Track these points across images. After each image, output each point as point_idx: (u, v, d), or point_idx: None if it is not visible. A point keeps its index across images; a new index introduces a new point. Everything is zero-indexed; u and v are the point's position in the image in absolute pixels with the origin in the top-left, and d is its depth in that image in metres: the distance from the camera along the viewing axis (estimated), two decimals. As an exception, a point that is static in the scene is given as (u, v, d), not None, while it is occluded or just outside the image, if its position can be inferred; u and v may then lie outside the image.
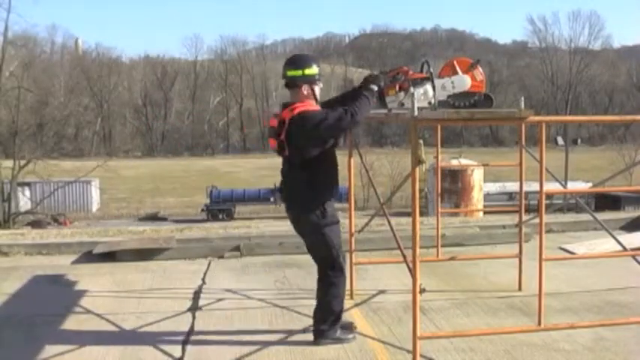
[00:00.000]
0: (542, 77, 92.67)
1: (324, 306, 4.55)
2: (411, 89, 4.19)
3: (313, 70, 4.41)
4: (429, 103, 4.27)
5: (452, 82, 4.35)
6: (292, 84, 4.41)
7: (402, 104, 4.28)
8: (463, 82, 4.38)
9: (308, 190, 4.40)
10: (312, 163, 4.34)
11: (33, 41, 70.66)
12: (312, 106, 4.39)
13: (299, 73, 4.38)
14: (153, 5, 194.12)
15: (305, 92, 4.39)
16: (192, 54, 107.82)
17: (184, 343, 4.72)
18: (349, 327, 4.77)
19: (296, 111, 4.28)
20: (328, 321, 4.56)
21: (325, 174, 4.46)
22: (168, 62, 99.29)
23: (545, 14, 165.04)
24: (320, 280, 4.57)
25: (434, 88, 4.28)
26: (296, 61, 4.46)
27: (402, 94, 4.25)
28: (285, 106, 4.40)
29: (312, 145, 4.30)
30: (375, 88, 4.37)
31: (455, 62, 4.46)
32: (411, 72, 4.36)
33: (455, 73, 4.40)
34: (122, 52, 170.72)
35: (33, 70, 56.35)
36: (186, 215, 41.45)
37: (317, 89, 4.46)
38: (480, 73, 4.45)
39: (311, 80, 4.40)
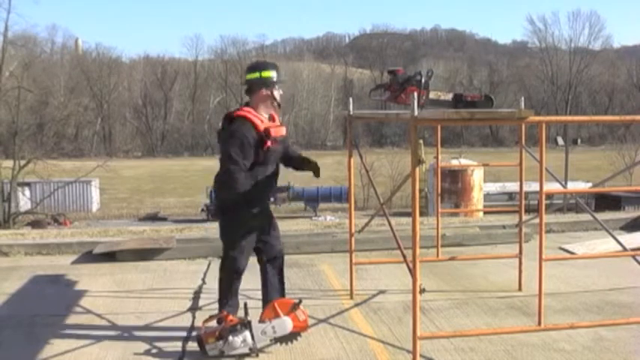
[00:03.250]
0: (542, 77, 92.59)
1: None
2: (230, 338, 4.29)
3: (270, 73, 4.50)
4: (250, 349, 4.35)
5: (272, 327, 4.38)
6: (250, 88, 4.52)
7: (223, 352, 4.33)
8: (284, 325, 4.39)
9: (221, 189, 4.57)
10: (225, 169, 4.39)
11: (33, 41, 70.47)
12: (257, 116, 4.41)
13: (256, 75, 4.50)
14: (153, 5, 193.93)
15: (263, 95, 4.48)
16: (192, 54, 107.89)
17: (184, 343, 4.72)
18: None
19: (235, 115, 4.43)
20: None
21: (241, 179, 4.39)
22: (168, 62, 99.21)
23: (545, 14, 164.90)
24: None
25: (252, 336, 4.33)
26: (254, 65, 4.61)
27: (220, 342, 4.32)
28: (243, 105, 4.55)
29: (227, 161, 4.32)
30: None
31: (276, 304, 4.46)
32: (230, 317, 4.42)
33: (276, 315, 4.41)
34: (122, 52, 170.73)
35: (33, 70, 56.22)
36: (186, 215, 41.44)
37: (276, 93, 4.54)
38: (302, 312, 4.47)
39: (268, 83, 4.49)
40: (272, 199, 39.28)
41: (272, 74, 4.51)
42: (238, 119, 4.41)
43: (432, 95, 4.84)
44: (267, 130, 4.38)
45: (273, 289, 4.77)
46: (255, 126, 4.36)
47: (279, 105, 4.58)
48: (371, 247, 7.58)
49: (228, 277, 4.69)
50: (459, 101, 4.87)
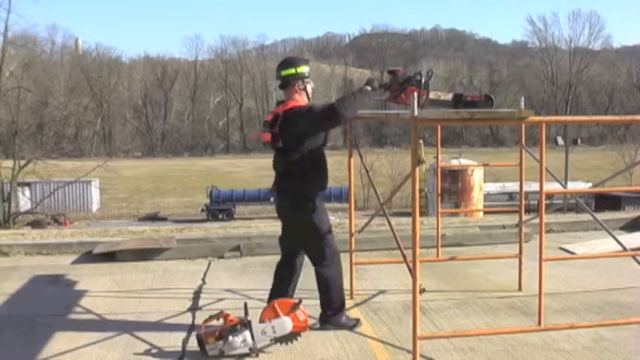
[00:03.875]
0: (542, 77, 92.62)
1: (323, 295, 4.86)
2: (230, 338, 4.31)
3: (304, 69, 4.73)
4: (250, 349, 4.37)
5: (272, 327, 4.39)
6: (286, 83, 4.72)
7: (223, 352, 4.35)
8: (284, 325, 4.41)
9: (300, 185, 4.67)
10: (305, 158, 4.63)
11: (33, 41, 70.61)
12: (304, 102, 4.71)
13: (292, 71, 4.70)
14: (153, 5, 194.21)
15: (298, 90, 4.70)
16: (192, 54, 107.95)
17: (184, 343, 4.72)
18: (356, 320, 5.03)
19: (289, 106, 4.64)
20: (332, 308, 4.84)
21: (317, 170, 4.74)
22: (168, 62, 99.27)
23: (545, 14, 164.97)
24: (316, 273, 4.87)
25: (252, 336, 4.35)
26: (288, 61, 4.80)
27: (220, 342, 4.34)
28: (279, 103, 4.76)
29: (303, 137, 4.58)
30: (369, 88, 4.64)
31: (276, 304, 4.49)
32: (230, 317, 4.44)
33: (276, 315, 4.43)
34: (122, 52, 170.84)
35: (33, 70, 56.33)
36: (186, 215, 41.47)
37: (309, 87, 4.77)
38: (302, 312, 4.48)
39: (303, 78, 4.71)
40: (272, 199, 39.40)
41: (305, 69, 4.74)
42: (297, 107, 4.61)
43: (432, 95, 4.85)
44: None
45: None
46: None
47: (309, 98, 4.79)
48: (371, 247, 7.58)
49: (339, 271, 4.88)
50: (459, 101, 4.89)
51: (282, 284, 4.93)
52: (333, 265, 4.83)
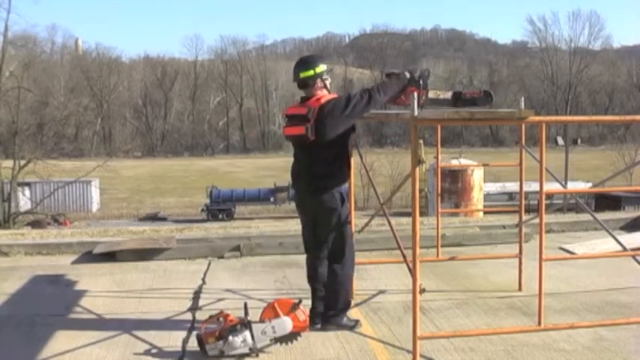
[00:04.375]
0: (542, 77, 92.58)
1: (332, 294, 4.84)
2: (230, 338, 4.30)
3: (322, 67, 4.71)
4: (250, 349, 4.37)
5: (272, 327, 4.39)
6: (305, 84, 4.71)
7: (223, 352, 4.34)
8: (284, 325, 4.40)
9: (334, 180, 4.72)
10: (338, 153, 4.67)
11: (33, 41, 70.54)
12: (333, 95, 4.72)
13: (311, 73, 4.68)
14: (153, 5, 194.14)
15: (319, 87, 4.69)
16: (192, 54, 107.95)
17: (184, 343, 4.72)
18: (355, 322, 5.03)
19: (324, 99, 4.59)
20: (336, 308, 4.84)
21: (345, 165, 4.80)
22: (168, 62, 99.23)
23: (545, 14, 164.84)
24: (330, 271, 4.84)
25: (252, 336, 4.34)
26: (306, 61, 4.77)
27: (220, 342, 4.34)
28: (304, 99, 4.71)
29: (342, 128, 4.55)
30: (401, 75, 4.65)
31: (276, 304, 4.48)
32: (230, 317, 4.43)
33: (276, 315, 4.42)
34: (122, 52, 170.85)
35: (33, 70, 56.31)
36: (186, 215, 41.46)
37: (327, 83, 4.77)
38: (302, 312, 4.48)
39: (322, 76, 4.71)
40: (272, 199, 39.44)
41: (324, 67, 4.73)
42: (332, 99, 4.61)
43: (431, 94, 4.86)
44: None
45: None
46: None
47: (329, 92, 4.79)
48: (371, 247, 7.58)
49: (352, 272, 4.96)
50: (458, 99, 4.89)
51: (314, 283, 4.92)
52: (350, 264, 4.87)
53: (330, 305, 4.86)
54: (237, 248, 7.78)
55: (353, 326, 4.91)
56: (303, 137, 4.57)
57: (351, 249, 4.88)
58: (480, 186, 27.78)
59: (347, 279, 4.91)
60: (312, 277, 4.94)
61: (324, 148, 4.58)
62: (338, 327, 4.85)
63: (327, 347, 4.57)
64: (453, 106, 4.88)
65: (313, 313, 4.82)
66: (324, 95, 4.66)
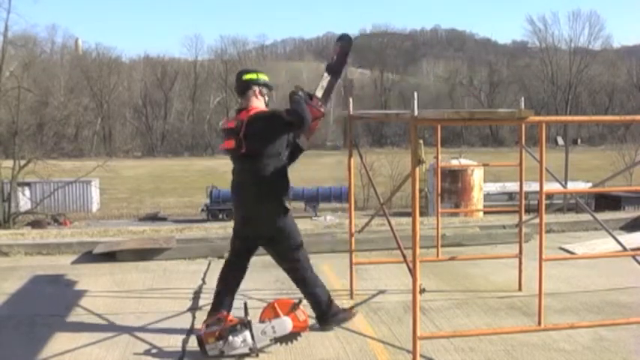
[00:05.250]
0: (542, 77, 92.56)
1: (313, 299, 4.83)
2: (230, 338, 4.31)
3: (266, 77, 4.84)
4: (250, 349, 4.37)
5: (272, 327, 4.39)
6: (246, 88, 4.74)
7: (223, 352, 4.35)
8: (284, 325, 4.41)
9: (274, 190, 4.66)
10: (271, 163, 4.60)
11: (33, 41, 70.56)
12: (263, 107, 4.76)
13: (253, 76, 4.78)
14: (153, 5, 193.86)
15: (258, 97, 4.74)
16: (192, 54, 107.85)
17: (184, 343, 4.72)
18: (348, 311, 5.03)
19: (252, 112, 4.63)
20: (324, 304, 4.82)
21: (284, 175, 4.73)
22: (168, 62, 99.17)
23: (545, 14, 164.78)
24: (294, 280, 4.87)
25: (252, 336, 4.35)
26: (248, 69, 5.05)
27: (220, 342, 4.34)
28: (239, 110, 4.73)
29: (267, 141, 4.57)
30: (300, 93, 4.66)
31: (276, 304, 4.48)
32: (230, 317, 4.43)
33: (276, 315, 4.43)
34: (122, 52, 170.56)
35: (33, 70, 56.29)
36: (186, 215, 41.44)
37: (266, 98, 4.82)
38: (302, 312, 4.48)
39: (264, 85, 4.79)
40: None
41: (266, 79, 4.84)
42: (260, 111, 4.66)
43: (318, 92, 4.94)
44: None
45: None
46: None
47: (266, 106, 4.84)
48: (371, 247, 7.58)
49: (312, 270, 4.88)
50: (330, 69, 5.05)
51: (232, 285, 4.84)
52: (307, 265, 4.83)
53: (316, 306, 4.83)
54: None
55: (352, 316, 4.93)
56: (234, 151, 4.60)
57: (304, 251, 4.83)
58: (480, 186, 27.76)
59: (313, 277, 4.84)
60: (227, 282, 4.88)
61: (259, 160, 4.56)
62: (338, 323, 4.85)
63: (327, 347, 4.57)
64: (336, 79, 5.05)
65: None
66: (255, 107, 4.67)
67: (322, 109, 4.89)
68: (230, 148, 4.61)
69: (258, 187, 4.61)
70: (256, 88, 4.73)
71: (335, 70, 5.07)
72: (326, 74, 5.02)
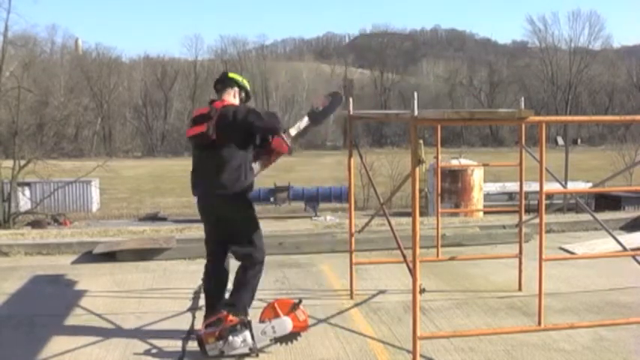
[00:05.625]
0: (542, 77, 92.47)
1: (235, 295, 4.69)
2: (230, 338, 4.30)
3: (249, 87, 4.92)
4: (250, 349, 4.36)
5: (272, 327, 4.38)
6: (228, 83, 4.81)
7: (223, 352, 4.34)
8: (284, 325, 4.40)
9: (238, 180, 4.57)
10: (240, 155, 4.57)
11: (33, 41, 70.52)
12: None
13: (239, 78, 4.87)
14: (153, 5, 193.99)
15: (235, 97, 4.78)
16: (192, 54, 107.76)
17: (184, 343, 4.72)
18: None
19: (226, 102, 4.69)
20: (237, 305, 4.62)
21: (250, 169, 4.67)
22: (168, 62, 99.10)
23: (545, 14, 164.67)
24: (241, 269, 4.71)
25: (252, 336, 4.34)
26: (237, 72, 5.11)
27: (220, 342, 4.33)
28: (213, 101, 4.75)
29: (239, 133, 4.54)
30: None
31: (276, 304, 4.47)
32: (230, 317, 4.40)
33: (276, 315, 4.41)
34: (122, 52, 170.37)
35: (33, 70, 56.29)
36: (186, 215, 41.36)
37: (241, 103, 4.83)
38: (302, 312, 4.47)
39: (243, 90, 4.85)
40: (272, 199, 39.40)
41: (249, 88, 4.94)
42: (235, 105, 4.72)
43: (292, 131, 4.90)
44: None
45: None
46: None
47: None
48: (371, 247, 7.58)
49: (260, 275, 4.79)
50: (312, 116, 4.98)
51: (219, 288, 4.75)
52: (260, 266, 4.73)
53: (227, 305, 4.66)
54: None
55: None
56: (204, 136, 4.53)
57: (263, 248, 4.76)
58: (480, 186, 27.72)
59: (254, 282, 4.72)
60: (214, 283, 4.80)
61: (226, 151, 4.52)
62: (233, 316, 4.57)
63: (327, 347, 4.58)
64: (314, 126, 5.01)
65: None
66: (229, 102, 4.71)
67: (288, 146, 4.79)
68: (201, 131, 4.54)
69: (219, 176, 4.52)
70: (237, 89, 4.81)
71: (317, 120, 5.01)
72: (307, 119, 4.94)
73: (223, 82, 4.82)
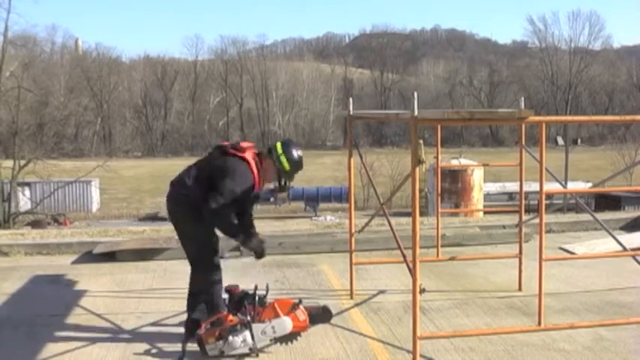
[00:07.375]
0: (542, 77, 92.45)
1: (195, 317, 4.73)
2: (230, 338, 4.30)
3: (288, 167, 4.72)
4: (250, 349, 4.36)
5: (272, 327, 4.38)
6: (269, 151, 4.71)
7: (223, 352, 4.34)
8: (284, 325, 4.40)
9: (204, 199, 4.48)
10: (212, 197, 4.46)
11: (33, 41, 70.43)
12: (250, 166, 4.62)
13: (280, 151, 4.68)
14: (153, 5, 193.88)
15: (263, 162, 4.69)
16: (192, 54, 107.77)
17: (184, 343, 4.71)
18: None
19: (234, 153, 4.61)
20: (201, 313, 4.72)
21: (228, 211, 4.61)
22: (168, 62, 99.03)
23: (545, 14, 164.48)
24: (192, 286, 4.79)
25: (252, 336, 4.34)
26: (287, 147, 4.75)
27: (220, 342, 4.34)
28: (254, 148, 4.76)
29: (211, 181, 4.53)
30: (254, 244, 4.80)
31: (276, 304, 4.47)
32: (230, 317, 4.40)
33: (276, 315, 4.42)
34: (122, 52, 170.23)
35: (33, 70, 56.24)
36: (186, 215, 41.31)
37: (264, 171, 4.72)
38: (302, 312, 4.46)
39: (279, 164, 4.69)
40: (272, 199, 39.40)
41: (287, 167, 4.73)
42: (232, 162, 4.62)
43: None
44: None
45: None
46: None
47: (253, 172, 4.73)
48: (371, 247, 7.58)
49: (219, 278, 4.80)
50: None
51: (219, 291, 4.76)
52: (211, 289, 4.74)
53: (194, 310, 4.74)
54: (237, 248, 7.76)
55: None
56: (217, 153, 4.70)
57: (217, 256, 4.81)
58: (480, 186, 27.72)
59: (217, 284, 4.75)
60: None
61: (208, 185, 4.51)
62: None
63: (327, 347, 4.58)
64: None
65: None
66: (248, 158, 4.61)
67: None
68: (224, 145, 4.69)
69: (188, 193, 4.60)
70: (269, 160, 4.69)
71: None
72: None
73: (272, 151, 4.71)
